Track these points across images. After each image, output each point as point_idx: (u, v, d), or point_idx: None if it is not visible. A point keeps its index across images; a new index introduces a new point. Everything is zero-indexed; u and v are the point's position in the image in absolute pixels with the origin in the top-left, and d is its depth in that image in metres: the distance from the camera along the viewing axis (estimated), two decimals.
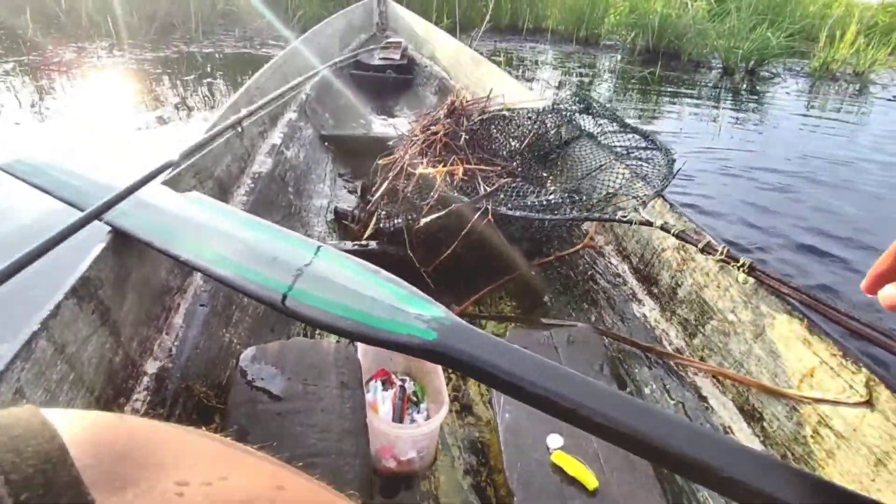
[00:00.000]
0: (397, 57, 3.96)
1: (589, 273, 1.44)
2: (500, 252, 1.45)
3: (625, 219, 1.09)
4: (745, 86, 6.03)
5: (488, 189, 1.27)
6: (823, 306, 0.79)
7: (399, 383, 1.15)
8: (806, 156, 3.51)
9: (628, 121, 1.62)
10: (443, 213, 1.26)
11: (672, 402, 1.04)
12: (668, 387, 1.07)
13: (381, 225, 1.52)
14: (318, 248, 0.79)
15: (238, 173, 1.58)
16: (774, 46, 6.55)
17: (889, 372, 0.73)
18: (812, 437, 0.81)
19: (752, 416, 0.92)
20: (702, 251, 0.96)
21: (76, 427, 0.19)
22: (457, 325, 0.66)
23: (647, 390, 1.09)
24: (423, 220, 1.28)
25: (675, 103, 4.90)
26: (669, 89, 5.47)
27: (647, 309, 1.22)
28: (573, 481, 0.83)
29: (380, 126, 3.13)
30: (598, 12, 8.10)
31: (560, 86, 5.20)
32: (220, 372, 1.02)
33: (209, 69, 4.59)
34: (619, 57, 7.37)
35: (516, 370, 0.58)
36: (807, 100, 5.59)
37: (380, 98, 3.67)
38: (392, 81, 3.74)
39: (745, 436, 0.91)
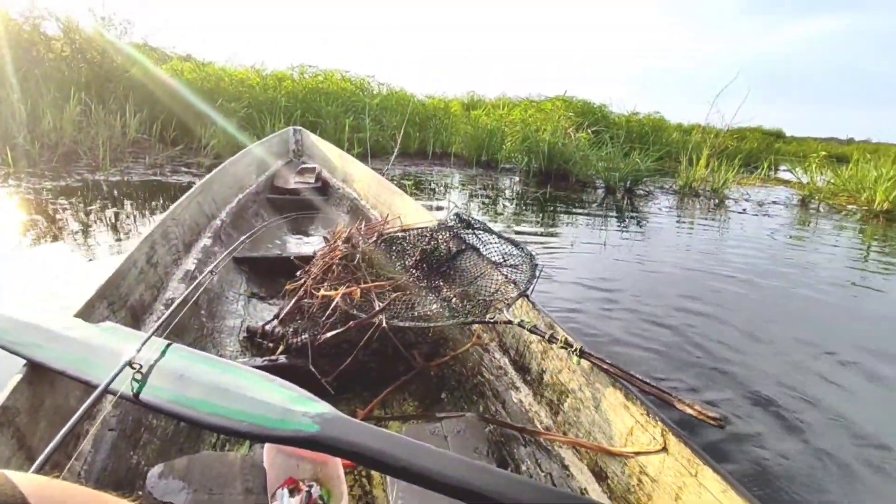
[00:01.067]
0: (312, 181, 4.28)
1: (478, 368, 1.64)
2: (398, 357, 1.64)
3: (492, 320, 1.32)
4: (625, 202, 6.93)
5: (381, 304, 1.47)
6: (629, 376, 1.03)
7: (306, 489, 1.24)
8: (668, 261, 4.09)
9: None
10: (341, 329, 1.44)
11: (542, 474, 1.21)
12: (539, 461, 1.24)
13: (290, 341, 1.65)
14: (234, 368, 0.93)
15: (151, 301, 1.67)
16: (644, 170, 7.66)
17: (695, 408, 0.96)
18: (637, 485, 1.01)
19: (600, 476, 1.11)
20: (548, 341, 1.19)
21: (34, 484, 0.29)
22: (337, 418, 0.81)
23: (523, 466, 1.26)
24: (323, 336, 1.45)
25: (567, 219, 5.54)
26: (561, 207, 6.20)
27: (523, 395, 1.42)
28: None
29: (295, 245, 3.31)
30: (496, 140, 9.14)
31: (467, 205, 5.73)
32: (128, 493, 1.07)
33: (116, 197, 4.62)
34: (516, 178, 8.25)
35: (387, 450, 0.73)
36: (676, 214, 6.50)
37: (296, 219, 3.88)
38: (307, 203, 4.00)
39: (597, 495, 1.09)
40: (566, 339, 1.17)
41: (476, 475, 0.66)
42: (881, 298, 3.64)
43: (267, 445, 1.17)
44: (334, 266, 1.69)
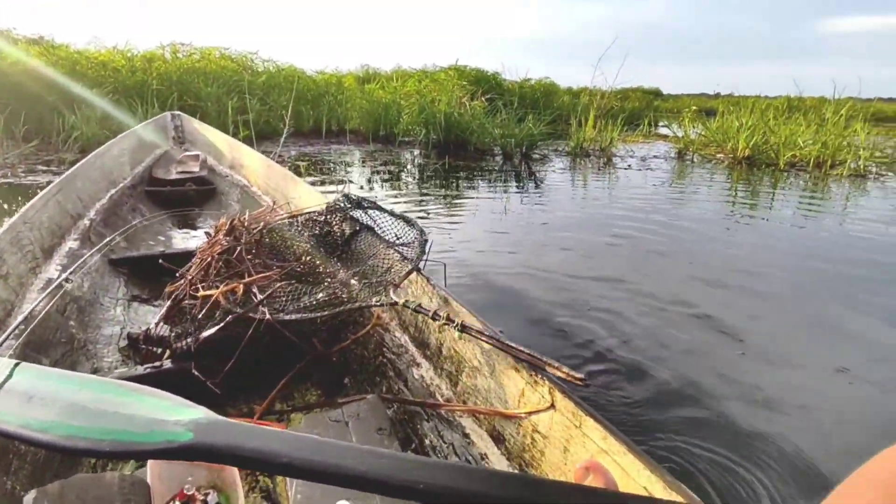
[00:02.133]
0: (196, 169, 3.97)
1: (379, 349, 1.62)
2: (297, 348, 1.58)
3: (378, 303, 1.31)
4: (522, 167, 7.14)
5: (261, 297, 1.41)
6: (506, 346, 1.07)
7: (201, 498, 1.17)
8: (564, 219, 4.30)
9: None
10: (219, 328, 1.36)
11: (445, 445, 1.23)
12: (441, 433, 1.26)
13: (174, 345, 1.54)
14: (92, 382, 0.84)
15: (4, 317, 1.49)
16: (537, 134, 7.92)
17: (562, 371, 1.01)
18: (531, 443, 1.05)
19: (498, 440, 1.14)
20: (431, 318, 1.20)
21: None
22: (213, 423, 0.76)
23: (427, 440, 1.28)
24: (203, 337, 1.36)
25: (468, 188, 5.62)
26: (462, 176, 6.26)
27: (424, 370, 1.43)
28: None
29: (181, 241, 3.08)
30: (393, 114, 9.00)
31: (369, 182, 5.62)
32: None
33: None
34: (416, 151, 8.21)
35: (268, 448, 0.70)
36: (570, 174, 6.82)
37: (181, 212, 3.61)
38: (193, 194, 3.71)
39: (496, 458, 1.12)
40: (447, 315, 1.18)
41: (362, 459, 0.65)
42: (747, 230, 4.10)
43: (150, 460, 1.09)
44: (213, 262, 1.58)
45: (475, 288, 2.71)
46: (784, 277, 3.05)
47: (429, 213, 4.32)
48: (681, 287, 2.83)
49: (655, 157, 8.48)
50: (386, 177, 6.06)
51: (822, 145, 7.47)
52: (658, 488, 0.77)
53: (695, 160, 8.34)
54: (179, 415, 0.80)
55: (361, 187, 5.29)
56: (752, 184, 6.38)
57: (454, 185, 5.77)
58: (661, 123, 13.97)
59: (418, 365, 1.47)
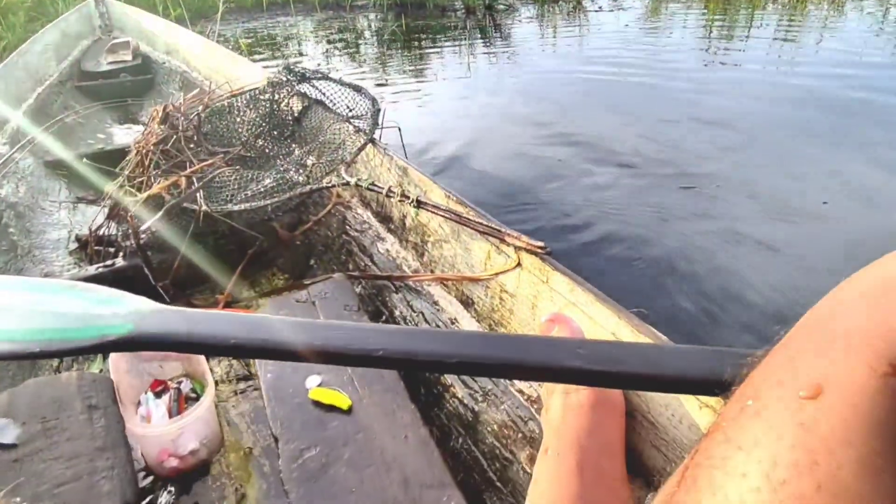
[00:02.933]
0: (129, 58, 3.61)
1: (342, 227, 1.56)
2: (256, 236, 1.51)
3: (330, 185, 1.21)
4: (487, 21, 6.60)
5: (197, 185, 1.30)
6: (465, 219, 1.01)
7: (175, 386, 1.17)
8: (534, 73, 4.05)
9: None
10: (155, 218, 1.27)
11: (415, 314, 1.22)
12: (411, 303, 1.24)
13: (122, 244, 1.46)
14: (24, 284, 0.77)
15: None
16: None
17: (522, 240, 0.96)
18: (500, 303, 1.03)
19: (467, 304, 1.13)
20: (386, 195, 1.12)
21: None
22: (154, 311, 0.70)
23: (396, 312, 1.26)
24: (141, 228, 1.27)
25: (431, 49, 5.21)
26: (423, 37, 5.79)
27: (389, 244, 1.39)
28: (330, 408, 0.96)
29: (122, 136, 2.87)
30: None
31: (326, 54, 5.17)
32: None
33: None
34: (371, 15, 7.50)
35: (213, 332, 0.65)
36: (537, 24, 6.33)
37: (118, 105, 3.34)
38: (129, 84, 3.41)
39: (466, 321, 1.11)
40: (402, 191, 1.10)
41: (314, 333, 0.60)
42: (725, 66, 3.91)
43: (112, 356, 1.07)
44: (150, 155, 1.45)
45: (438, 153, 2.60)
46: (757, 116, 2.96)
47: (388, 81, 4.04)
48: (642, 138, 2.72)
49: None
50: (341, 46, 5.58)
51: None
52: (626, 332, 0.75)
53: None
54: (117, 307, 0.75)
55: (317, 61, 4.88)
56: (729, 14, 6.00)
57: (415, 47, 5.34)
58: None
59: (383, 240, 1.41)
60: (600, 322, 0.79)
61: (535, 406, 0.93)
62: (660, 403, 0.71)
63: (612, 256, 1.78)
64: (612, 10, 6.64)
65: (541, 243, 0.92)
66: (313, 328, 0.61)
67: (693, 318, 1.50)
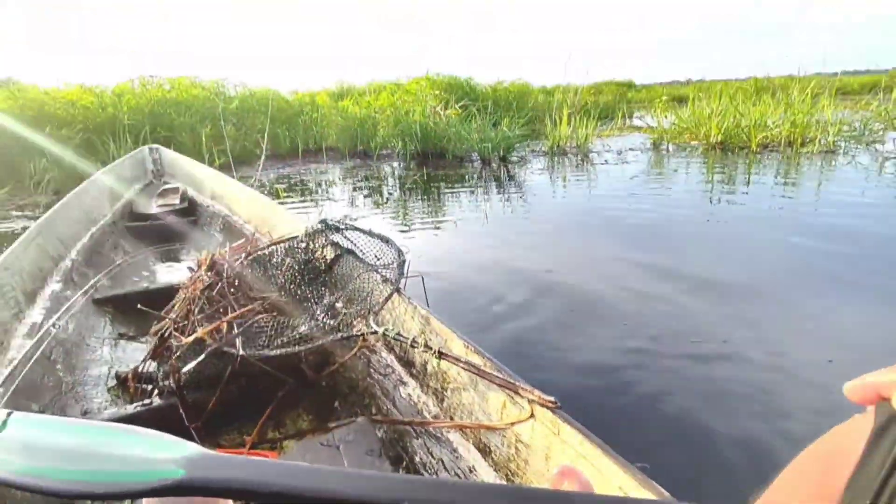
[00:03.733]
0: (177, 201, 3.98)
1: (367, 370, 1.65)
2: (285, 378, 1.61)
3: (358, 333, 1.34)
4: (501, 171, 7.21)
5: (236, 332, 1.44)
6: (481, 371, 1.12)
7: None
8: (544, 220, 4.36)
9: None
10: (198, 360, 1.39)
11: (434, 461, 1.26)
12: (430, 449, 1.30)
13: (160, 382, 1.57)
14: (84, 426, 0.86)
15: None
16: (513, 137, 8.00)
17: (534, 394, 1.05)
18: (515, 453, 1.09)
19: (485, 452, 1.18)
20: (411, 345, 1.24)
21: None
22: (203, 457, 0.78)
23: (416, 458, 1.31)
24: (183, 370, 1.39)
25: (449, 196, 5.67)
26: (442, 185, 6.32)
27: (411, 388, 1.47)
28: None
29: (166, 275, 3.09)
30: (369, 128, 9.05)
31: (352, 199, 5.64)
32: None
33: None
34: (395, 164, 8.25)
35: (256, 479, 0.72)
36: (548, 174, 6.89)
37: (164, 246, 3.62)
38: (175, 227, 3.73)
39: (483, 469, 1.16)
40: (425, 341, 1.22)
41: (350, 483, 0.67)
42: (725, 217, 4.17)
43: (144, 501, 1.12)
44: (196, 299, 1.61)
45: (458, 299, 2.75)
46: (762, 259, 3.13)
47: (410, 226, 4.36)
48: (658, 279, 2.89)
49: (631, 149, 8.60)
50: (366, 192, 6.10)
51: (792, 124, 7.63)
52: (631, 487, 0.81)
53: (670, 149, 8.47)
54: (169, 452, 0.83)
55: (343, 205, 5.32)
56: (728, 167, 6.50)
57: (434, 194, 5.82)
58: (635, 115, 14.14)
59: (405, 384, 1.50)
60: (608, 476, 0.85)
61: None
62: None
63: (620, 409, 1.82)
64: (617, 164, 7.23)
65: (552, 398, 1.00)
66: (348, 478, 0.69)
67: (696, 473, 1.51)
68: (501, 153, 7.94)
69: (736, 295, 2.65)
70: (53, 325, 1.96)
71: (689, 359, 2.09)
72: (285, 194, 5.89)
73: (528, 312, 2.54)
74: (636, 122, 12.97)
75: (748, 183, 5.44)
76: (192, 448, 0.75)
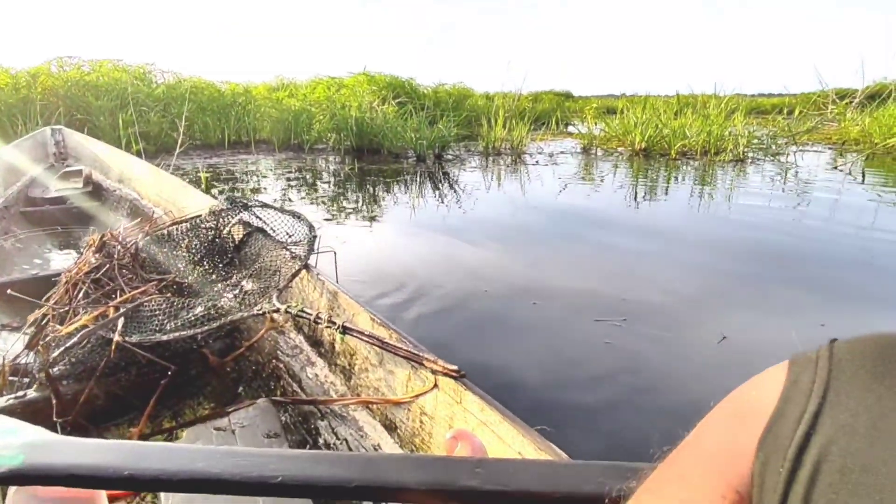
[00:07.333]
0: (80, 185, 3.70)
1: (274, 352, 1.56)
2: (185, 364, 1.49)
3: (259, 311, 1.25)
4: (436, 168, 7.19)
5: (115, 315, 1.31)
6: (385, 344, 1.07)
7: None
8: (469, 215, 4.38)
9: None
10: (64, 347, 1.26)
11: (339, 441, 1.20)
12: (335, 429, 1.23)
13: (37, 375, 1.41)
14: None
15: None
16: (449, 135, 8.02)
17: (438, 364, 1.01)
18: (420, 426, 1.05)
19: (391, 428, 1.13)
20: (314, 321, 1.17)
21: None
22: (49, 442, 0.68)
23: (321, 439, 1.24)
24: (52, 357, 1.25)
25: (381, 189, 5.58)
26: (375, 179, 6.22)
27: (318, 369, 1.39)
28: None
29: (62, 261, 2.84)
30: (304, 121, 8.80)
31: (283, 192, 5.43)
32: None
33: None
34: (329, 157, 8.06)
35: (117, 463, 0.63)
36: (480, 172, 6.94)
37: (64, 232, 3.33)
38: (76, 211, 3.45)
39: (388, 445, 1.11)
40: (329, 317, 1.16)
41: (217, 461, 0.59)
42: (647, 214, 4.36)
43: (10, 493, 0.98)
44: (80, 284, 1.46)
45: (370, 277, 2.72)
46: (678, 254, 3.28)
47: (337, 215, 4.26)
48: (567, 273, 2.96)
49: (563, 152, 8.84)
50: (298, 184, 5.90)
51: (707, 135, 8.11)
52: (530, 451, 0.78)
53: (598, 154, 8.78)
54: (10, 437, 0.72)
55: (273, 196, 5.11)
56: (650, 172, 6.81)
57: (367, 187, 5.71)
58: (572, 124, 14.58)
59: (313, 364, 1.42)
60: (507, 441, 0.82)
61: None
62: None
63: (527, 379, 1.84)
64: (547, 165, 7.41)
65: (455, 367, 0.97)
66: (215, 455, 0.61)
67: (600, 434, 1.54)
68: (437, 151, 7.94)
69: (644, 284, 2.75)
70: None
71: (595, 334, 2.15)
72: (210, 184, 5.58)
73: (443, 292, 2.54)
74: (571, 129, 13.37)
75: (667, 186, 5.72)
76: (35, 432, 0.64)
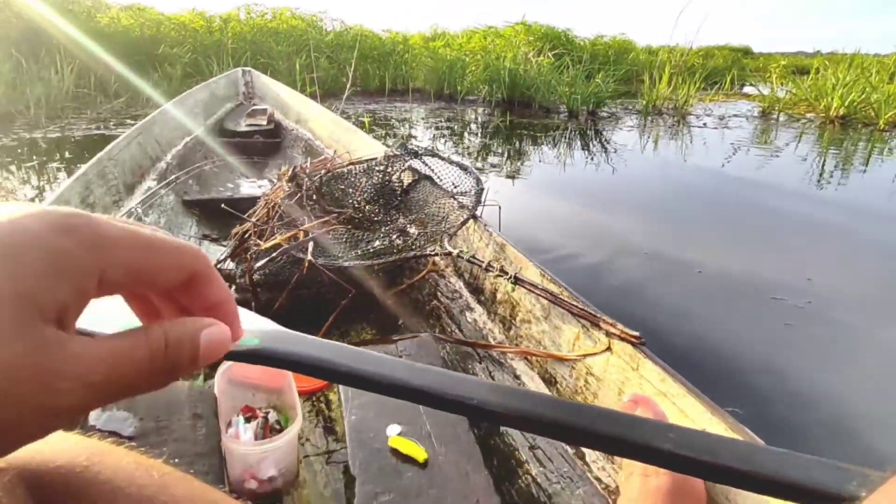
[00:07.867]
0: (264, 122, 4.13)
1: (434, 293, 1.64)
2: (353, 290, 1.63)
3: (432, 253, 1.30)
4: (588, 125, 6.86)
5: (308, 237, 1.45)
6: (558, 300, 1.05)
7: (262, 415, 1.25)
8: (625, 178, 4.12)
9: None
10: (267, 259, 1.42)
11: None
12: (493, 374, 1.26)
13: (237, 280, 1.63)
14: None
15: None
16: (606, 91, 7.55)
17: (616, 328, 0.98)
18: (584, 385, 1.03)
19: (550, 382, 1.13)
20: (485, 269, 1.19)
21: None
22: (277, 332, 0.80)
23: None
24: (255, 267, 1.42)
25: (531, 144, 5.49)
26: (524, 133, 6.11)
27: (477, 314, 1.44)
28: (407, 458, 0.98)
29: (248, 188, 3.23)
30: (457, 71, 8.85)
31: (433, 139, 5.60)
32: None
33: (56, 153, 4.33)
34: (480, 109, 8.06)
35: (327, 357, 0.72)
36: (637, 132, 6.48)
37: (249, 161, 3.77)
38: (260, 145, 3.88)
39: None
40: (501, 266, 1.17)
41: (414, 373, 0.64)
42: (839, 192, 3.76)
43: (218, 374, 1.17)
44: (276, 207, 1.64)
45: (533, 235, 2.69)
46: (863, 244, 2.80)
47: (488, 168, 4.28)
48: (737, 245, 2.68)
49: (736, 115, 7.90)
50: (447, 133, 6.02)
51: None
52: (719, 429, 0.74)
53: (780, 119, 7.70)
54: (249, 324, 0.85)
55: (426, 142, 5.29)
56: (846, 144, 5.83)
57: (516, 141, 5.64)
58: (747, 84, 12.92)
59: (472, 309, 1.47)
60: (691, 416, 0.78)
61: (613, 497, 0.90)
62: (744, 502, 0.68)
63: (707, 354, 1.72)
64: (716, 128, 6.68)
65: (636, 333, 0.93)
66: (412, 368, 0.66)
67: (796, 428, 1.40)
68: (591, 107, 7.54)
69: (824, 264, 2.40)
70: (147, 215, 2.08)
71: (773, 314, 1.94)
72: (369, 128, 5.92)
73: (607, 255, 2.45)
74: (747, 90, 11.85)
75: (866, 160, 4.86)
76: (269, 324, 0.74)
